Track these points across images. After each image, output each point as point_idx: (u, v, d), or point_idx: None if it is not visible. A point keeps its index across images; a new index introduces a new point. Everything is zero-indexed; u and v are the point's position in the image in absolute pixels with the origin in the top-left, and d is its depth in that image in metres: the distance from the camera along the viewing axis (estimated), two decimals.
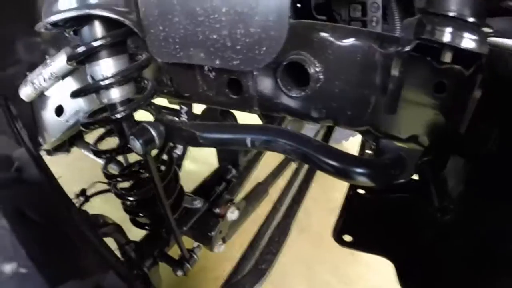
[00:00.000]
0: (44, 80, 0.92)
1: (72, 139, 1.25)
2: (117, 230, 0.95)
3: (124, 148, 0.80)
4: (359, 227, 1.00)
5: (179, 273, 0.98)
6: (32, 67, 0.97)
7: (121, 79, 0.66)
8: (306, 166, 1.39)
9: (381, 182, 0.61)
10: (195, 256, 1.00)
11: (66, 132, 1.50)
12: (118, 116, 0.69)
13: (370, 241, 0.95)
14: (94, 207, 1.02)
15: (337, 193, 2.34)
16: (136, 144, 0.69)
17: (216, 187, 1.20)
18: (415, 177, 0.83)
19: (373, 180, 0.58)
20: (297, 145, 0.61)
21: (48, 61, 0.91)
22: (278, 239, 0.99)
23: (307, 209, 2.23)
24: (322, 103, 0.68)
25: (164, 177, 0.91)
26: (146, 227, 1.00)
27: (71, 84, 0.93)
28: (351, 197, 1.11)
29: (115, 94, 0.69)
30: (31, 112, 1.57)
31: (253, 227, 1.27)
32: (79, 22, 0.63)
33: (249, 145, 0.65)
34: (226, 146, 0.72)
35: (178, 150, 1.22)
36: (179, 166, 1.19)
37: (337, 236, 0.98)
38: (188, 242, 1.07)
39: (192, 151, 1.29)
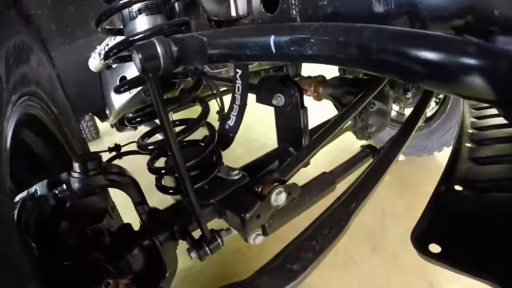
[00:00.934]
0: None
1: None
2: (132, 185, 0.80)
3: None
4: (452, 235, 0.70)
5: (193, 255, 0.79)
6: None
7: None
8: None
9: None
10: (218, 240, 0.81)
11: (129, 103, 1.47)
12: None
13: (467, 256, 0.65)
14: None
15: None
16: (136, 59, 0.55)
17: (265, 165, 0.99)
18: None
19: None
20: (354, 37, 0.40)
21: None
22: (328, 231, 0.72)
23: (384, 225, 1.91)
24: None
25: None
26: (170, 191, 0.84)
27: None
28: (442, 195, 0.82)
29: None
30: (99, 83, 1.59)
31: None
32: None
33: (273, 48, 0.49)
34: (246, 57, 0.53)
35: None
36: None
37: (419, 244, 0.70)
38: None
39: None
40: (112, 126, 1.96)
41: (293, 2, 0.72)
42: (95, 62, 1.31)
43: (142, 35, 0.74)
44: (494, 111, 1.33)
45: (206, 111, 0.87)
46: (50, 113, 1.09)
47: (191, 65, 0.62)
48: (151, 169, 0.87)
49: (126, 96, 1.42)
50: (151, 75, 0.59)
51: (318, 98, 1.69)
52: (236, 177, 0.83)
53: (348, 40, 0.42)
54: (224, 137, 1.05)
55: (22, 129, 1.04)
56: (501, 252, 0.60)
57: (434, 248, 0.67)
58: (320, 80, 1.68)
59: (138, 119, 0.89)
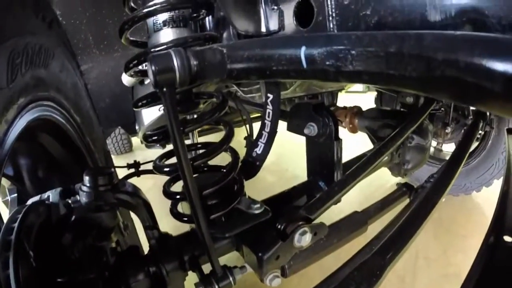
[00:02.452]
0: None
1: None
2: (143, 207, 0.75)
3: None
4: None
5: None
6: None
7: None
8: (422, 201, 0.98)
9: None
10: (230, 279, 0.73)
11: (158, 120, 1.45)
12: None
13: None
14: None
15: (459, 255, 1.83)
16: (149, 71, 0.50)
17: (293, 201, 0.91)
18: None
19: None
20: (410, 45, 0.32)
21: None
22: (356, 285, 0.62)
23: (415, 269, 1.76)
24: None
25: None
26: (184, 219, 0.78)
27: None
28: (490, 249, 0.70)
29: None
30: (131, 97, 1.59)
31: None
32: None
33: (304, 62, 0.40)
34: (271, 73, 0.45)
35: None
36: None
37: None
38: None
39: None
40: (141, 141, 1.96)
41: (330, 13, 0.65)
42: (127, 77, 1.31)
43: (162, 47, 0.70)
44: None
45: (229, 135, 0.81)
46: (72, 120, 1.07)
47: (210, 80, 0.57)
48: (166, 192, 0.81)
49: (156, 112, 1.40)
50: (166, 89, 0.54)
51: (353, 130, 1.61)
52: (257, 211, 0.75)
53: (403, 49, 0.34)
54: (250, 165, 0.98)
55: (39, 132, 1.03)
56: None
57: None
58: (356, 111, 1.61)
59: (154, 138, 0.83)
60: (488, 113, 1.84)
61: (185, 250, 0.79)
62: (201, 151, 0.87)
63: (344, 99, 1.71)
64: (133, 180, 0.85)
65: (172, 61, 0.53)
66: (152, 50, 0.75)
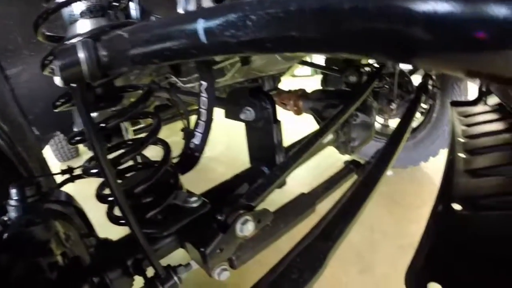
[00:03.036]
0: None
1: None
2: (76, 215, 0.69)
3: None
4: (455, 271, 0.58)
5: None
6: None
7: None
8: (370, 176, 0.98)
9: None
10: (175, 278, 0.69)
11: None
12: None
13: None
14: None
15: (414, 226, 1.89)
16: (55, 66, 0.45)
17: (235, 190, 0.88)
18: None
19: None
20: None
21: None
22: (298, 275, 0.59)
23: (372, 243, 1.81)
24: None
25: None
26: (120, 221, 0.73)
27: None
28: (440, 218, 0.70)
29: None
30: None
31: None
32: None
33: (202, 36, 0.36)
34: (172, 54, 0.41)
35: None
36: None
37: (415, 284, 0.57)
38: None
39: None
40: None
41: None
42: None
43: (72, 39, 0.63)
44: (484, 117, 1.25)
45: (156, 127, 0.75)
46: None
47: (120, 71, 0.52)
48: (99, 196, 0.75)
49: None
50: (75, 85, 0.48)
51: (298, 112, 1.60)
52: (195, 205, 0.71)
53: (304, 6, 0.30)
54: (189, 157, 0.94)
55: None
56: None
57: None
58: (300, 94, 1.61)
59: (76, 138, 0.75)
60: (430, 87, 1.90)
61: (127, 254, 0.74)
62: None
63: (291, 83, 1.70)
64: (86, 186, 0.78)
65: (78, 54, 0.48)
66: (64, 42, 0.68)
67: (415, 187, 2.30)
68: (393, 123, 2.45)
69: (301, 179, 1.51)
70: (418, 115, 2.33)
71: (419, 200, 2.15)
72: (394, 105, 1.94)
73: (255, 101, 0.91)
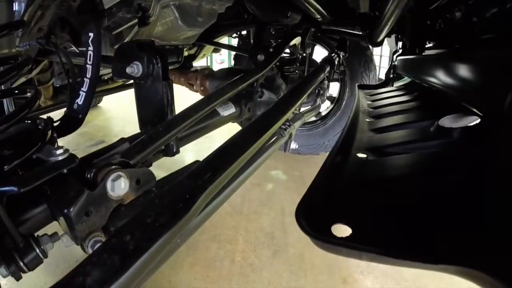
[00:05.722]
0: None
1: None
2: None
3: None
4: (362, 210, 0.52)
5: (2, 271, 0.55)
6: None
7: None
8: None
9: None
10: (37, 250, 0.58)
11: None
12: None
13: (393, 236, 0.46)
14: None
15: None
16: None
17: (112, 150, 0.78)
18: None
19: None
20: None
21: None
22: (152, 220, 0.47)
23: (284, 225, 1.81)
24: None
25: None
26: None
27: None
28: (341, 163, 0.67)
29: None
30: None
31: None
32: None
33: None
34: None
35: None
36: None
37: (314, 226, 0.47)
38: None
39: None
40: None
41: None
42: None
43: None
44: (388, 94, 1.32)
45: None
46: None
47: None
48: None
49: None
50: None
51: (205, 92, 1.55)
52: (60, 158, 0.60)
53: None
54: (71, 119, 0.83)
55: None
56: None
57: (343, 230, 0.47)
58: (207, 73, 1.55)
59: None
60: (338, 64, 1.94)
61: None
62: None
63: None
64: None
65: None
66: None
67: None
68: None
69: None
70: (328, 103, 2.43)
71: None
72: None
73: (143, 55, 0.82)
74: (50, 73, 1.56)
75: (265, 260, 1.59)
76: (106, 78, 2.03)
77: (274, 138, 1.06)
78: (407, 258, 0.36)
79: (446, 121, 0.75)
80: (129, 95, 1.50)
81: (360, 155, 0.72)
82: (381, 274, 1.45)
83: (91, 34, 0.85)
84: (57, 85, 1.70)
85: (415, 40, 1.28)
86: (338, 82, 2.37)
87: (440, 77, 0.83)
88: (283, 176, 2.43)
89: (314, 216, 0.50)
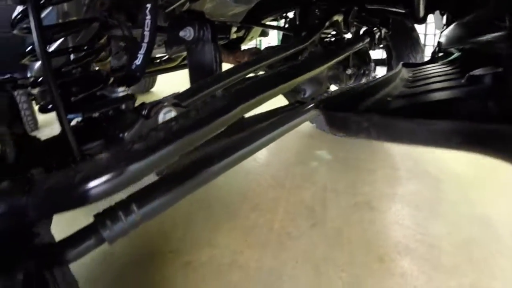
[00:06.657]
0: None
1: None
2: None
3: None
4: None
5: None
6: None
7: None
8: None
9: None
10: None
11: None
12: None
13: None
14: None
15: (367, 187, 1.96)
16: None
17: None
18: None
19: None
20: None
21: None
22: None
23: (324, 201, 1.85)
24: None
25: None
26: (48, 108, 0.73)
27: None
28: None
29: None
30: None
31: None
32: None
33: None
34: None
35: None
36: None
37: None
38: None
39: None
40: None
41: None
42: None
43: None
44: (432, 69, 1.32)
45: None
46: None
47: None
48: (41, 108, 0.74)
49: None
50: None
51: None
52: (120, 94, 0.73)
53: None
54: (130, 76, 0.96)
55: None
56: None
57: None
58: (254, 51, 1.65)
59: None
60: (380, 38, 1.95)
61: (54, 153, 0.74)
62: None
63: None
64: None
65: None
66: None
67: (368, 154, 2.39)
68: None
69: None
70: None
71: (373, 165, 2.23)
72: (350, 71, 2.01)
73: (194, 22, 0.94)
74: (108, 51, 1.73)
75: (303, 230, 1.64)
76: (158, 61, 2.21)
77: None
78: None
79: (478, 72, 0.76)
80: (181, 82, 1.60)
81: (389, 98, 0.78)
82: (419, 257, 1.43)
83: (148, 5, 0.98)
84: (113, 66, 1.87)
85: (457, 13, 1.28)
86: (385, 65, 2.35)
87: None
88: (327, 156, 2.48)
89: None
